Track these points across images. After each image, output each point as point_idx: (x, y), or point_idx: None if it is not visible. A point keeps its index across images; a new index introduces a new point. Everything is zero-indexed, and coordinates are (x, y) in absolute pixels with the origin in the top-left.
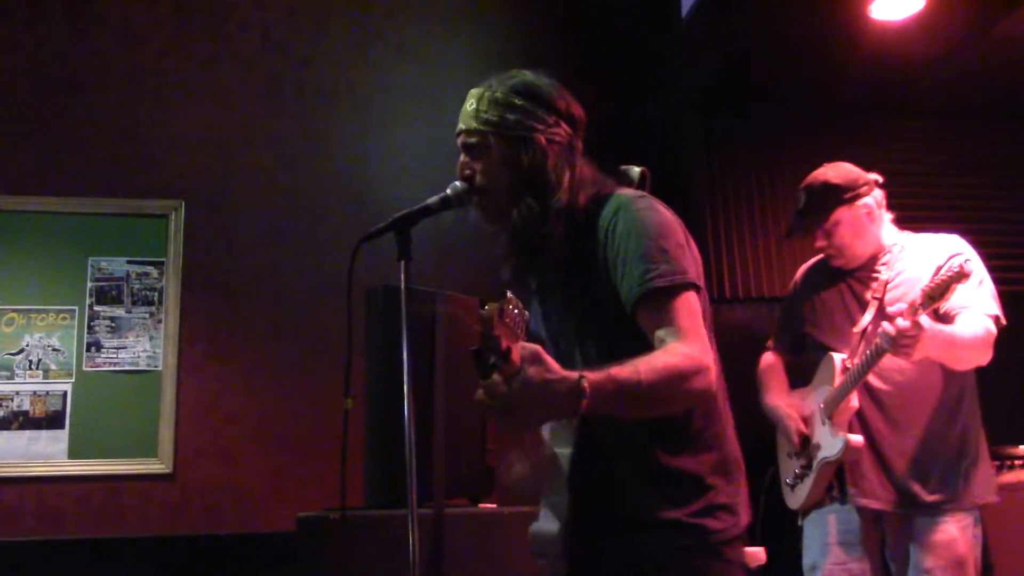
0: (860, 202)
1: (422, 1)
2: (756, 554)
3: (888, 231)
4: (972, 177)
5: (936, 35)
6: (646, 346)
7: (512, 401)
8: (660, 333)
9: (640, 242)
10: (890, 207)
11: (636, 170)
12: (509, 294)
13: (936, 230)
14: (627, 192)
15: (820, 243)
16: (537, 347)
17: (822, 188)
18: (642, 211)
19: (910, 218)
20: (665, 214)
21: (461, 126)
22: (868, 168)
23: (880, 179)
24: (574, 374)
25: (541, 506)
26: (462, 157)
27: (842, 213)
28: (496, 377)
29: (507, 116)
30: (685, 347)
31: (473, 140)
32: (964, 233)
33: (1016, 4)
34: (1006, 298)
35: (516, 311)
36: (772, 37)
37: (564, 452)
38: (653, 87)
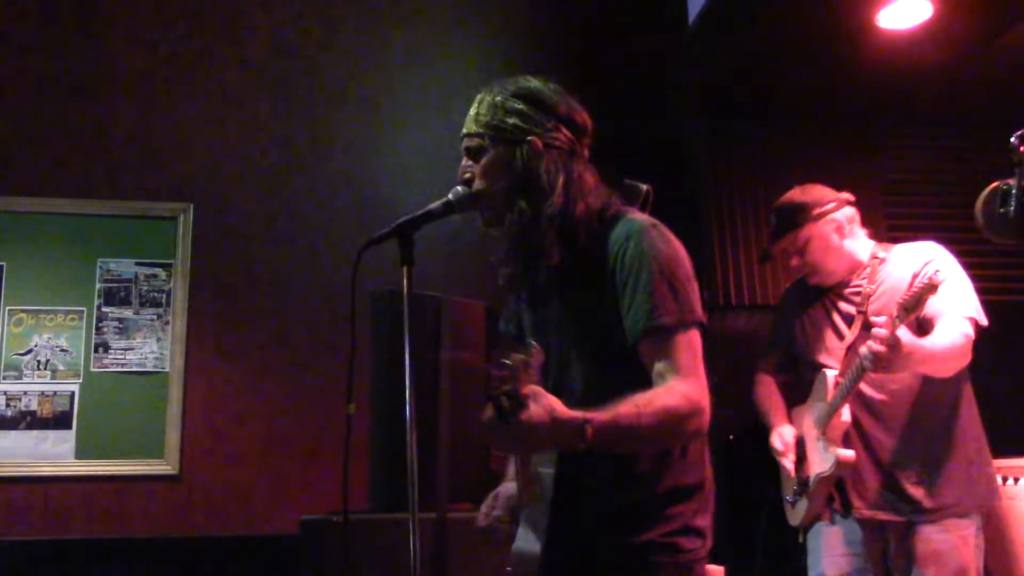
0: (828, 218)
1: (431, 6)
2: (715, 572)
3: (863, 246)
4: (978, 186)
5: (943, 44)
6: (642, 370)
7: (515, 439)
8: (660, 368)
9: (651, 275)
10: (894, 215)
11: (642, 187)
12: (534, 344)
13: (940, 239)
14: (639, 218)
15: (795, 262)
16: (538, 387)
17: (790, 208)
18: (655, 241)
19: (914, 226)
20: (676, 245)
21: (464, 130)
22: (873, 175)
23: (852, 198)
24: (579, 417)
25: (521, 524)
26: (464, 160)
27: (811, 229)
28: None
29: (505, 120)
30: (685, 387)
31: (473, 143)
32: (968, 243)
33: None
34: (1010, 309)
35: (535, 359)
36: (779, 44)
37: (547, 471)
38: (660, 93)
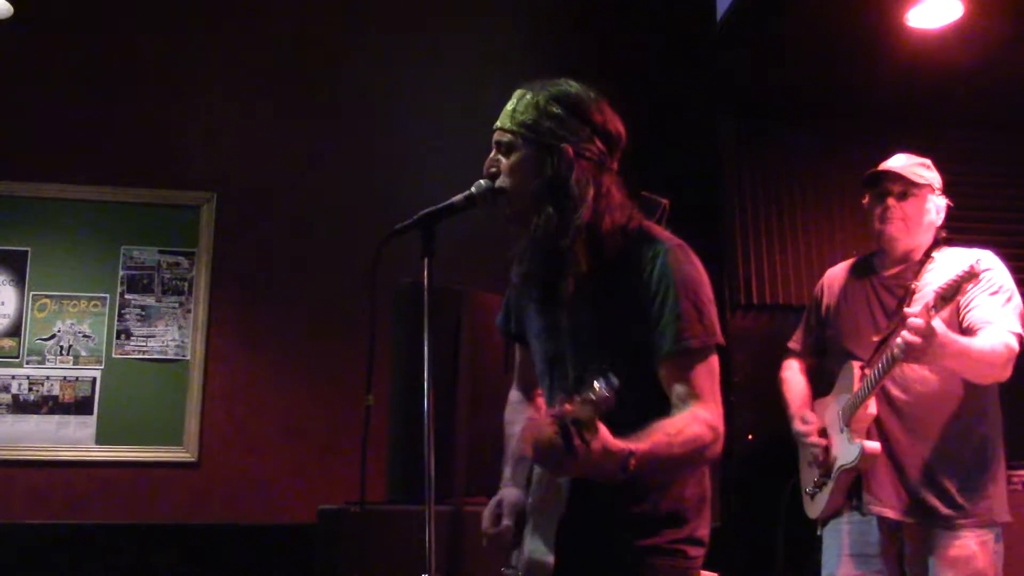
0: (941, 196)
1: (457, 1)
2: None
3: (928, 240)
4: (1012, 189)
5: (974, 43)
6: (653, 383)
7: (570, 466)
8: (681, 391)
9: (678, 297)
10: None
11: (660, 201)
12: (615, 378)
13: (972, 243)
14: (666, 237)
15: (892, 208)
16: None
17: (924, 167)
18: (683, 263)
19: (948, 228)
20: (700, 267)
21: (498, 124)
22: None
23: (950, 203)
24: (624, 449)
25: (530, 531)
26: (492, 153)
27: (928, 193)
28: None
29: (541, 123)
30: (706, 413)
31: (505, 139)
32: (1002, 246)
33: None
34: None
35: (614, 392)
36: (807, 44)
37: (562, 481)
38: (688, 91)
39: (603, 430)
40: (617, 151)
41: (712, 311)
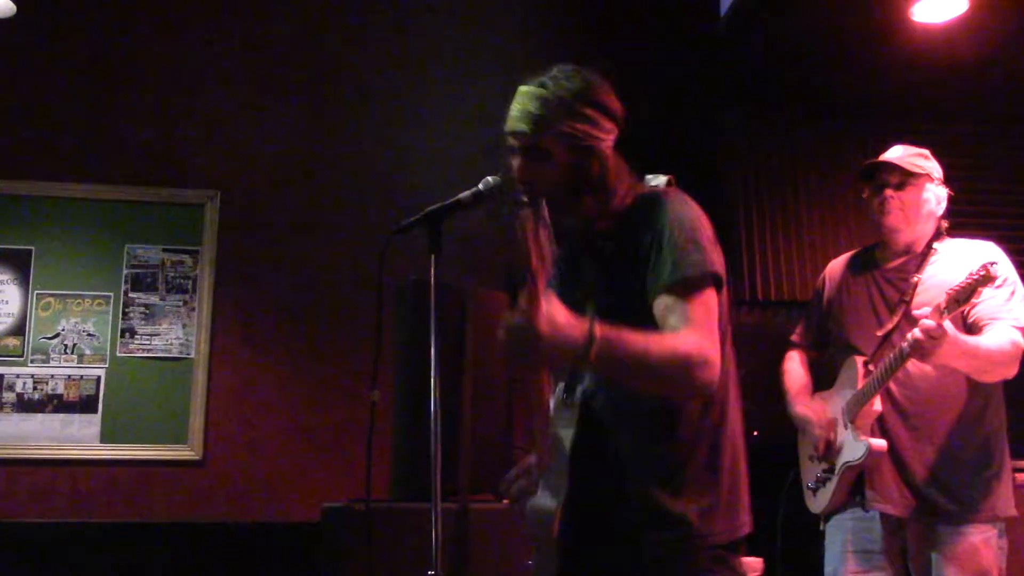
0: (941, 187)
1: (459, 0)
2: (752, 563)
3: (930, 231)
4: (1018, 184)
5: (980, 38)
6: None
7: (527, 336)
8: (672, 320)
9: (673, 234)
10: None
11: (663, 178)
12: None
13: (981, 238)
14: (661, 190)
15: (890, 198)
16: (553, 295)
17: (922, 156)
18: (677, 205)
19: (953, 224)
20: (698, 210)
21: (519, 128)
22: None
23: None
24: (586, 321)
25: (540, 486)
26: (518, 160)
27: (926, 182)
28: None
29: (576, 125)
30: (695, 337)
31: (533, 143)
32: (1007, 241)
33: None
34: None
35: (546, 231)
36: (811, 38)
37: (567, 433)
38: (691, 86)
39: (559, 304)
40: (621, 127)
41: (710, 246)
